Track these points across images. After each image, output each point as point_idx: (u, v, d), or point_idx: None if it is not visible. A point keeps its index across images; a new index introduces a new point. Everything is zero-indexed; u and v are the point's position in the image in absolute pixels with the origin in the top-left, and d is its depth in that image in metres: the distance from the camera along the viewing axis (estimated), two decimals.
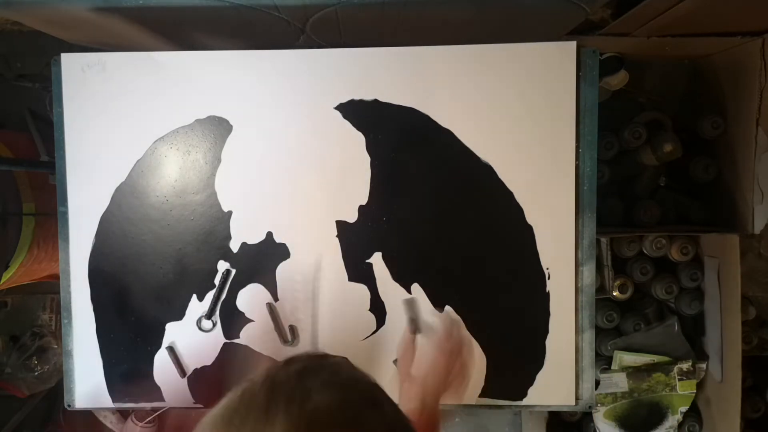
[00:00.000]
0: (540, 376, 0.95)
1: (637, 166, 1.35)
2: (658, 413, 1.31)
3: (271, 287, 0.96)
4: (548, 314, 0.94)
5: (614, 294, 1.31)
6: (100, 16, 0.97)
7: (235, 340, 0.97)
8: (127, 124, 0.94)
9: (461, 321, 0.93)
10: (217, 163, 0.95)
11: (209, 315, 0.96)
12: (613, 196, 1.37)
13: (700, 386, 1.32)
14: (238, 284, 0.96)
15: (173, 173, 0.95)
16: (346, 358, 0.50)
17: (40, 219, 1.28)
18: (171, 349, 0.97)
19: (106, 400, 0.98)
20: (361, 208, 0.94)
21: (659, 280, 1.31)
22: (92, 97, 0.95)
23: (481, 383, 0.95)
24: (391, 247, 0.94)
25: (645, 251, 1.30)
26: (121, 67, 0.94)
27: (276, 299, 0.96)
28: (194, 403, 0.98)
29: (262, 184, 0.94)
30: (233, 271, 0.96)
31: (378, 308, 0.95)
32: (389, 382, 0.95)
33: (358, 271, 0.95)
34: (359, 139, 0.93)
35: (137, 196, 0.95)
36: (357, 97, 0.93)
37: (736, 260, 1.20)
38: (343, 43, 1.00)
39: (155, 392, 0.98)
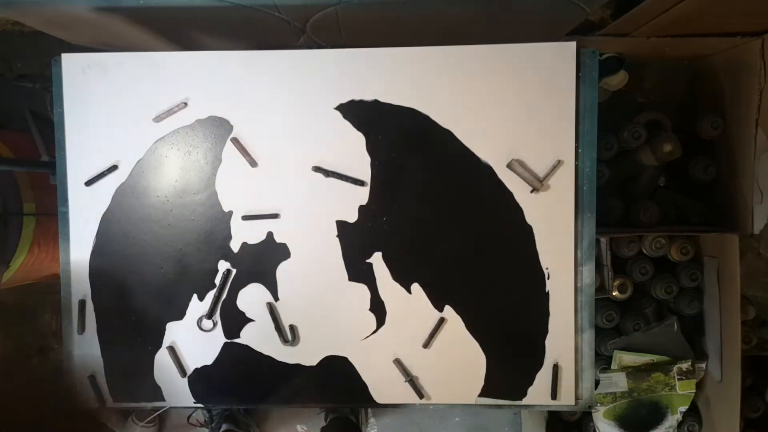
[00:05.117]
0: (539, 376, 0.95)
1: (637, 166, 1.35)
2: (658, 413, 1.31)
3: (272, 287, 0.96)
4: (548, 314, 0.94)
5: (614, 294, 1.31)
6: (100, 16, 0.97)
7: (236, 340, 0.97)
8: (127, 124, 0.95)
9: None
10: (217, 163, 0.95)
11: (210, 315, 0.96)
12: (613, 196, 1.37)
13: (699, 386, 1.32)
14: (239, 284, 0.96)
15: (174, 173, 0.95)
16: None
17: (41, 219, 1.28)
18: (171, 349, 0.97)
19: (106, 400, 0.98)
20: (361, 208, 0.94)
21: (659, 280, 1.32)
22: (93, 97, 0.95)
23: (481, 383, 0.95)
24: (391, 247, 0.94)
25: (644, 251, 1.30)
26: (121, 68, 0.94)
27: (276, 299, 0.96)
28: (195, 402, 0.98)
29: (262, 184, 0.95)
30: (234, 271, 0.96)
31: (378, 308, 0.95)
32: (389, 381, 0.96)
33: (358, 271, 0.95)
34: (359, 139, 0.93)
35: (138, 196, 0.96)
36: (357, 97, 0.93)
37: (735, 260, 1.21)
38: (343, 43, 1.00)
39: (156, 392, 0.98)
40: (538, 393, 0.95)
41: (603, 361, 1.33)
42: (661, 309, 1.38)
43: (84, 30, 1.07)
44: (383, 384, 0.96)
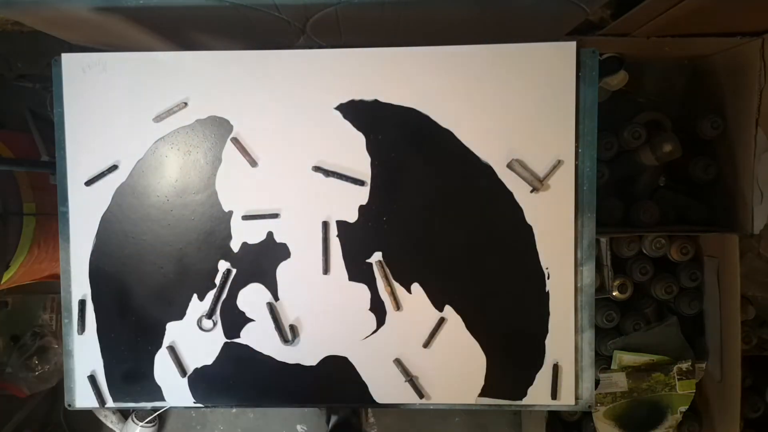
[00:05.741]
0: (539, 376, 0.95)
1: (637, 166, 1.35)
2: (658, 413, 1.31)
3: (272, 287, 0.96)
4: (548, 314, 0.94)
5: (614, 294, 1.31)
6: (100, 16, 0.97)
7: (236, 340, 0.97)
8: (127, 124, 0.95)
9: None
10: (217, 163, 0.95)
11: (210, 314, 0.96)
12: (613, 196, 1.37)
13: (699, 386, 1.32)
14: (239, 284, 0.96)
15: (174, 173, 0.95)
16: None
17: (41, 219, 1.29)
18: (171, 349, 0.97)
19: (106, 400, 0.99)
20: (361, 208, 0.94)
21: (659, 280, 1.32)
22: (93, 97, 0.95)
23: (481, 383, 0.95)
24: (391, 247, 0.94)
25: (644, 251, 1.30)
26: (121, 68, 0.94)
27: (276, 299, 0.96)
28: (194, 402, 0.98)
29: (262, 184, 0.94)
30: (234, 271, 0.96)
31: (378, 308, 0.95)
32: (389, 381, 0.96)
33: (358, 271, 0.95)
34: (359, 139, 0.93)
35: (138, 196, 0.95)
36: (357, 97, 0.93)
37: (735, 260, 1.21)
38: (343, 43, 1.00)
39: (156, 392, 0.98)
40: (538, 393, 0.95)
41: (603, 361, 1.33)
42: (661, 309, 1.38)
43: (84, 30, 1.07)
44: (383, 384, 0.96)
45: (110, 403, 0.99)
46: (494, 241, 0.94)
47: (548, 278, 0.94)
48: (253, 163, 0.94)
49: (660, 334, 1.30)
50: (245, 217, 0.94)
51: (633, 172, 1.37)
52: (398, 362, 0.95)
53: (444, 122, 0.93)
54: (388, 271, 0.94)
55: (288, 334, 0.96)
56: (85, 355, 0.98)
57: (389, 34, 1.07)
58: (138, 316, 0.97)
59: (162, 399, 0.98)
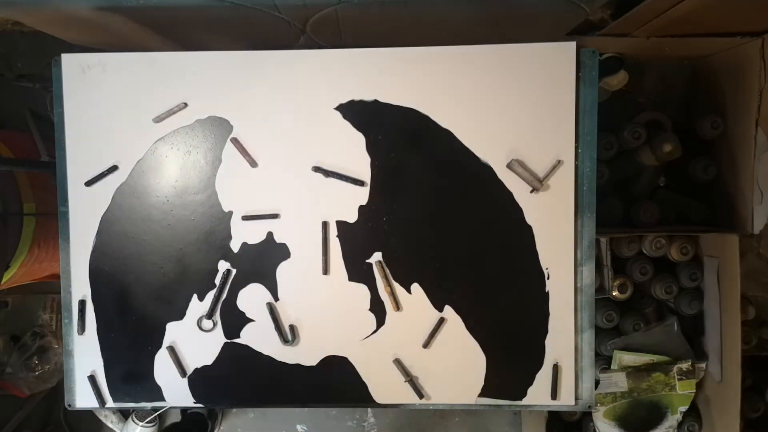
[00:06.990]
0: (539, 376, 0.95)
1: (637, 166, 1.35)
2: (658, 413, 1.31)
3: (272, 287, 0.96)
4: (548, 314, 0.94)
5: (614, 294, 1.31)
6: (100, 16, 0.97)
7: (236, 340, 0.97)
8: (127, 124, 0.95)
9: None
10: (217, 163, 0.95)
11: (210, 315, 0.96)
12: (613, 196, 1.37)
13: (699, 386, 1.32)
14: (239, 284, 0.96)
15: (174, 173, 0.95)
16: None
17: (41, 219, 1.29)
18: (171, 349, 0.97)
19: (106, 400, 0.99)
20: (361, 208, 0.94)
21: (659, 280, 1.32)
22: (93, 97, 0.95)
23: (481, 383, 0.95)
24: (391, 247, 0.94)
25: (644, 251, 1.30)
26: (121, 68, 0.94)
27: (276, 299, 0.96)
28: (195, 402, 0.98)
29: (262, 184, 0.95)
30: (234, 271, 0.96)
31: (378, 308, 0.95)
32: (389, 381, 0.96)
33: (358, 271, 0.95)
34: (359, 139, 0.93)
35: (138, 196, 0.96)
36: (357, 98, 0.93)
37: (735, 260, 1.21)
38: (343, 43, 1.00)
39: (156, 392, 0.98)
40: (538, 393, 0.95)
41: (603, 361, 1.33)
42: (661, 309, 1.38)
43: (84, 30, 1.07)
44: (383, 384, 0.97)
45: (110, 403, 0.99)
46: (494, 241, 0.94)
47: (548, 278, 0.94)
48: (253, 163, 0.94)
49: (660, 334, 1.30)
50: (245, 218, 0.95)
51: (633, 172, 1.37)
52: (398, 362, 0.95)
53: (444, 122, 0.93)
54: (387, 271, 0.94)
55: (288, 334, 0.96)
56: (85, 355, 0.98)
57: (389, 34, 1.07)
58: (138, 316, 0.97)
59: (162, 399, 0.98)
